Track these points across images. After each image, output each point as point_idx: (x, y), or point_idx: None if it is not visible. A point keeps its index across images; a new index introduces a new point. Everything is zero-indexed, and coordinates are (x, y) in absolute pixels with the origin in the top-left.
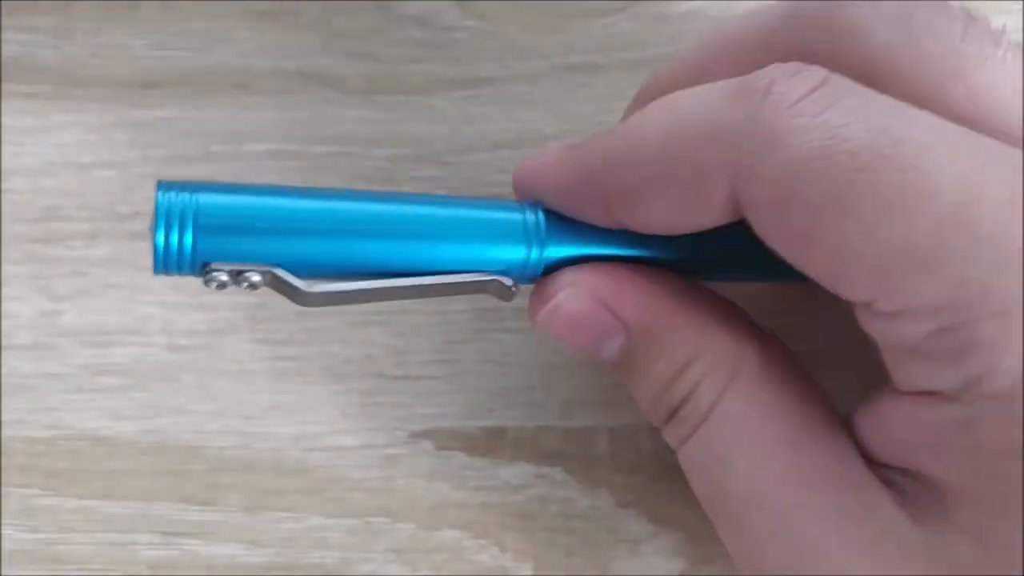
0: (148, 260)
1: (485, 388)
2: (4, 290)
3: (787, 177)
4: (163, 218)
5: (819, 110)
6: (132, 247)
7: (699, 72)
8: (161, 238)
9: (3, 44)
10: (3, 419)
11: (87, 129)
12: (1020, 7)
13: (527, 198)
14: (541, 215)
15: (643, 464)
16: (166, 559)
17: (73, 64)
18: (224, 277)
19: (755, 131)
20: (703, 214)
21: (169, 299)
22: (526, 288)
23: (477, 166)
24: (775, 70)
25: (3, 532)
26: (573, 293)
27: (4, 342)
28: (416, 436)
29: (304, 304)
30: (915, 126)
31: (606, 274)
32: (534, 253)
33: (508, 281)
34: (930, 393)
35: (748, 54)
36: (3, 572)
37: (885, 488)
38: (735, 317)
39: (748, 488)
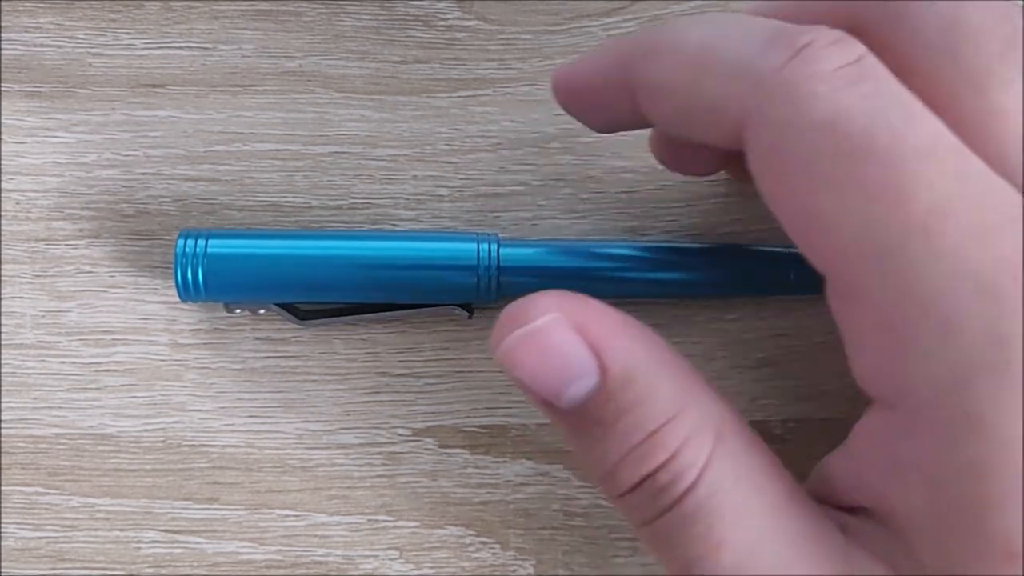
0: (150, 259)
1: (487, 386)
2: (7, 289)
3: (787, 134)
4: (179, 261)
5: (840, 85)
6: (135, 246)
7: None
8: (179, 276)
9: (6, 43)
10: (6, 417)
11: (90, 128)
12: (1020, 6)
13: (563, 95)
14: (495, 245)
15: None
16: (169, 557)
17: (76, 64)
18: (238, 310)
19: (775, 82)
20: (709, 129)
21: (172, 298)
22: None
23: (479, 166)
24: (819, 33)
25: (6, 530)
26: (556, 320)
27: (7, 341)
28: (418, 434)
29: (300, 325)
30: (917, 130)
31: (589, 307)
32: (489, 278)
33: (462, 312)
34: (881, 404)
35: (807, 13)
36: (6, 570)
37: (852, 538)
38: (702, 376)
39: (743, 560)
